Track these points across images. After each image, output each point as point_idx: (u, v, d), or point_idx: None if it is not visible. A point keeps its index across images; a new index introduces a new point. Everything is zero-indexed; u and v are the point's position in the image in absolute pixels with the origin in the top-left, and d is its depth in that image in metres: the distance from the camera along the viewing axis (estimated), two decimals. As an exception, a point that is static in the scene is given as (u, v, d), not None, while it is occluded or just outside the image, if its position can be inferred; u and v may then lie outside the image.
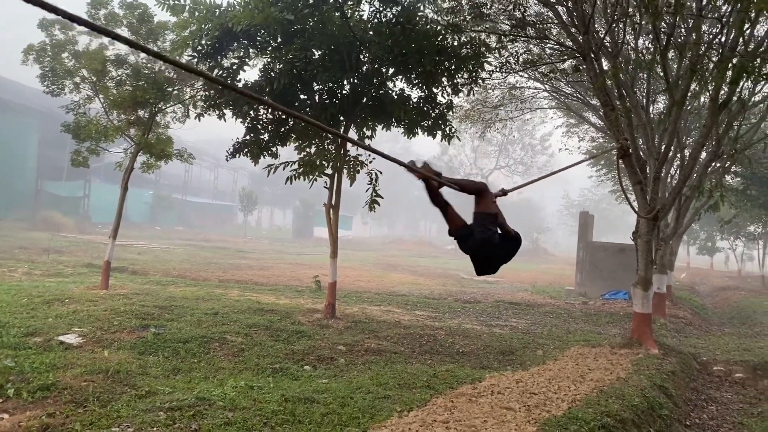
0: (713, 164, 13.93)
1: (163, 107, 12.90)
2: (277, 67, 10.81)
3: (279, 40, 10.79)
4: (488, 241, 4.63)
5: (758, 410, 7.86)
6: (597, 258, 19.30)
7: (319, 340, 9.40)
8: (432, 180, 4.51)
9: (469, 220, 4.76)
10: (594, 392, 6.64)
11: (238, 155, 12.05)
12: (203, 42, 10.88)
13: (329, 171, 11.62)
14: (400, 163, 4.23)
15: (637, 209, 9.77)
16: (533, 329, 12.19)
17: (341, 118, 12.20)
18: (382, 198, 11.43)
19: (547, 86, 18.34)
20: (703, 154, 14.53)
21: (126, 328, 8.91)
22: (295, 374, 7.51)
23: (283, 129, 12.01)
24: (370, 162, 11.82)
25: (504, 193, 5.29)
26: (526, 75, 16.19)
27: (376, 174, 11.39)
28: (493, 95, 17.79)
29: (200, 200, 55.97)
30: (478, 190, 4.78)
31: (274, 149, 12.13)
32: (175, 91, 13.12)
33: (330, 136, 11.89)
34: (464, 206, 4.77)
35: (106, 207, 42.86)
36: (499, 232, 4.88)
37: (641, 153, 10.45)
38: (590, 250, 19.64)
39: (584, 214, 20.73)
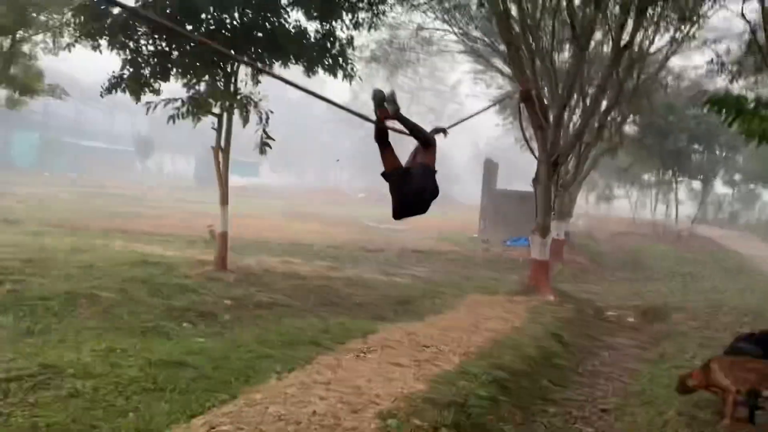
0: (613, 112, 14.00)
1: (26, 35, 11.35)
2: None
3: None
4: (422, 191, 4.61)
5: (649, 355, 7.95)
6: (500, 205, 19.42)
7: (204, 295, 8.67)
8: (389, 116, 4.51)
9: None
10: (488, 343, 6.39)
11: (114, 91, 10.83)
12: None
13: (217, 110, 10.67)
14: (365, 118, 4.57)
15: (537, 155, 9.56)
16: (434, 277, 11.99)
17: (232, 52, 11.21)
18: (273, 140, 10.63)
19: (455, 29, 17.86)
20: (604, 103, 14.67)
21: (-23, 285, 7.84)
22: (170, 333, 6.81)
23: (168, 63, 10.87)
24: (260, 100, 10.91)
25: (444, 131, 5.44)
26: (432, 14, 15.59)
27: (266, 114, 10.55)
28: (400, 36, 17.09)
29: (95, 144, 52.30)
30: (428, 141, 4.77)
31: (156, 85, 10.98)
32: (42, 17, 11.59)
33: (220, 71, 10.88)
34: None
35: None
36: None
37: (545, 99, 10.21)
38: (493, 198, 19.73)
39: (488, 162, 20.75)
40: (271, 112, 10.66)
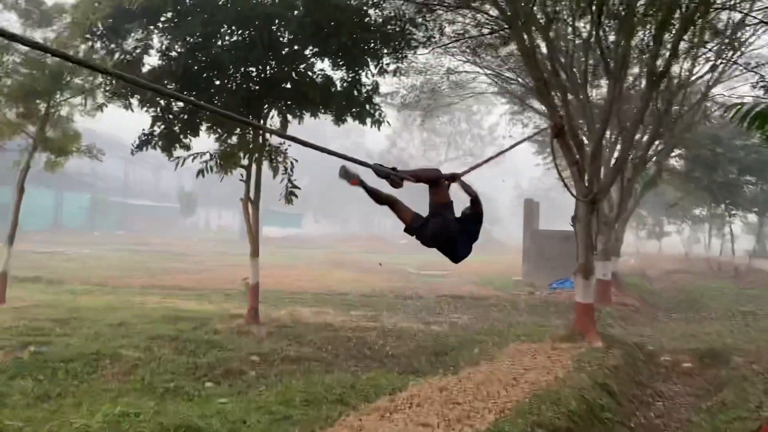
0: (655, 145, 13.43)
1: (61, 99, 11.61)
2: (176, 47, 9.73)
3: (178, 17, 9.68)
4: (444, 230, 4.60)
5: (707, 404, 7.23)
6: (543, 247, 18.76)
7: (231, 351, 8.40)
8: (392, 177, 4.51)
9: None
10: (527, 398, 5.86)
11: (145, 148, 10.93)
12: (97, 21, 9.74)
13: (245, 162, 10.62)
14: (365, 164, 4.31)
15: (574, 192, 9.09)
16: (473, 325, 11.45)
17: (265, 106, 11.25)
18: (298, 189, 10.48)
19: (486, 70, 17.67)
20: (645, 137, 14.12)
21: (5, 348, 7.76)
22: (191, 394, 6.52)
23: (197, 119, 10.93)
24: (286, 150, 10.81)
25: (454, 178, 5.12)
26: (461, 57, 15.43)
27: (291, 163, 10.43)
28: (431, 81, 16.96)
29: (142, 203, 53.71)
30: (432, 179, 4.70)
31: (186, 141, 11.04)
32: (77, 80, 11.87)
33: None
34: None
35: (39, 213, 40.72)
36: (466, 213, 5.02)
37: (579, 133, 9.78)
38: (536, 239, 19.11)
39: (529, 201, 20.21)
40: (296, 160, 10.55)
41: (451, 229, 4.65)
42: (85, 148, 13.16)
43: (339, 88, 11.16)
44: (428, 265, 27.99)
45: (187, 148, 11.01)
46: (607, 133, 14.23)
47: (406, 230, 4.77)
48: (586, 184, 8.98)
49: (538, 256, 18.99)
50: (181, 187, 37.58)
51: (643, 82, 13.80)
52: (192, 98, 10.10)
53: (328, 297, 14.59)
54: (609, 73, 8.87)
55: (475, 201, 5.13)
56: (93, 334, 8.82)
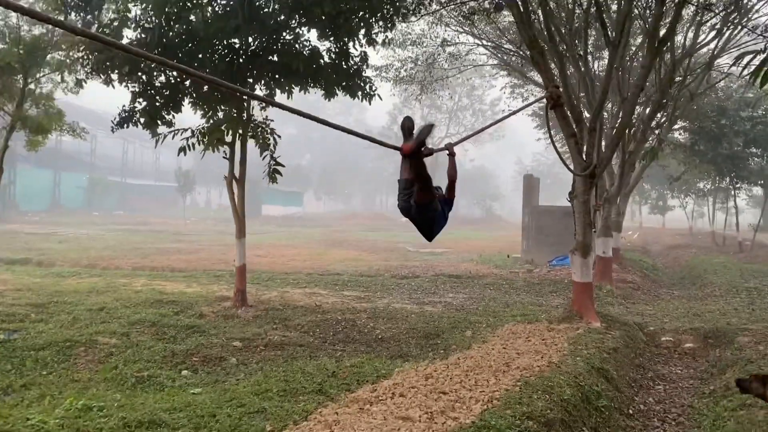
0: (657, 117, 12.93)
1: (39, 75, 11.15)
2: (150, 17, 9.25)
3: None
4: (422, 220, 4.65)
5: (710, 388, 6.87)
6: (543, 223, 18.34)
7: (213, 336, 8.08)
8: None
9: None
10: (517, 386, 5.49)
11: (126, 125, 10.49)
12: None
13: (229, 138, 10.19)
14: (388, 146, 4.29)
15: (572, 167, 8.65)
16: (469, 305, 11.09)
17: (249, 79, 10.79)
18: (282, 166, 10.06)
19: (484, 42, 17.10)
20: (648, 110, 13.60)
21: (-27, 336, 7.43)
22: (164, 384, 6.19)
23: (179, 94, 10.48)
24: (270, 125, 10.37)
25: (450, 151, 5.20)
26: (457, 27, 14.88)
27: (275, 139, 10.00)
28: (425, 53, 16.41)
29: (141, 182, 53.43)
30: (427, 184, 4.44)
31: (169, 117, 10.59)
32: (55, 56, 11.41)
33: (238, 99, 10.40)
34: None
35: (37, 194, 40.46)
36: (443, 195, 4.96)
37: (578, 105, 9.31)
38: (535, 215, 18.68)
39: (528, 177, 19.74)
40: (279, 136, 10.12)
41: (434, 209, 4.56)
42: (67, 127, 12.74)
43: (327, 60, 10.72)
44: (428, 243, 27.64)
45: (170, 124, 10.58)
46: (609, 105, 13.79)
47: (400, 181, 4.56)
48: (584, 158, 8.53)
49: (537, 233, 18.58)
50: (178, 165, 37.12)
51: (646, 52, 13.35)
52: (181, 65, 9.68)
53: (321, 277, 14.24)
54: (608, 40, 8.36)
55: (452, 185, 5.19)
56: (71, 319, 8.49)
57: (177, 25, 9.49)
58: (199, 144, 10.10)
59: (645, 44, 12.72)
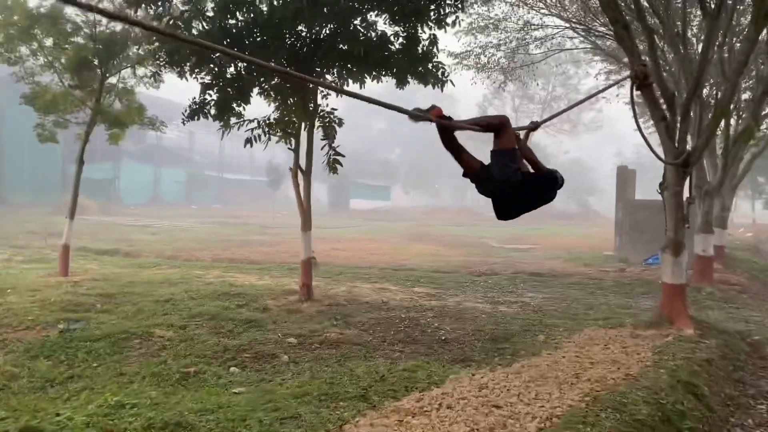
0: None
1: (114, 69, 11.38)
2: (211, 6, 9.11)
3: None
4: (507, 181, 4.22)
5: (825, 411, 5.86)
6: (638, 218, 16.98)
7: (270, 332, 7.83)
8: (444, 124, 4.14)
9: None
10: (584, 402, 4.81)
11: (197, 117, 10.47)
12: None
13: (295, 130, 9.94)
14: (402, 111, 3.89)
15: (662, 155, 7.73)
16: (547, 306, 10.29)
17: (317, 68, 10.51)
18: (343, 156, 9.68)
19: (575, 24, 15.99)
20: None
21: (40, 324, 7.56)
22: (209, 380, 5.94)
23: (248, 86, 10.33)
24: (335, 115, 10.02)
25: (535, 126, 4.99)
26: (542, 8, 13.95)
27: (333, 126, 9.63)
28: (507, 38, 15.55)
29: (237, 177, 55.17)
30: (497, 127, 4.28)
31: (239, 108, 10.48)
32: (135, 50, 11.62)
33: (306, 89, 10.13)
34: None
35: (139, 188, 42.61)
36: (529, 170, 4.62)
37: (670, 85, 8.31)
38: (630, 210, 17.36)
39: (623, 169, 18.39)
40: (342, 124, 9.74)
41: (513, 182, 4.24)
42: (147, 121, 13.00)
43: (397, 46, 10.26)
44: (514, 238, 26.64)
45: (240, 116, 10.48)
46: (710, 88, 12.46)
47: (465, 175, 4.44)
48: (677, 145, 7.58)
49: (632, 229, 17.27)
50: (268, 160, 37.98)
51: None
52: (242, 54, 9.54)
53: (394, 272, 13.82)
54: (705, 10, 7.36)
55: (535, 165, 4.71)
56: (134, 310, 8.52)
57: (238, 13, 9.33)
58: (265, 135, 9.92)
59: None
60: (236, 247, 19.23)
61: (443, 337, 7.90)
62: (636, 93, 8.02)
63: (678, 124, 7.61)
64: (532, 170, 4.69)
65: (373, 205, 49.11)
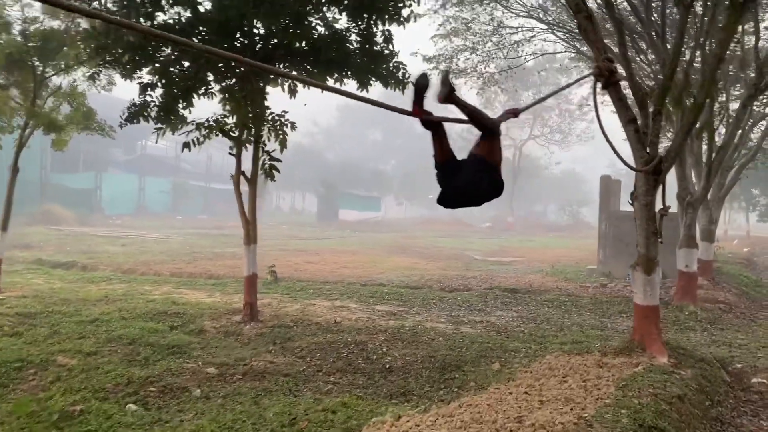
0: (755, 102, 10.72)
1: (51, 69, 10.58)
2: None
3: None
4: (471, 187, 4.11)
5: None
6: (623, 231, 16.11)
7: (192, 359, 6.99)
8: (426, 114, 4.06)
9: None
10: (518, 457, 3.95)
11: (137, 120, 9.66)
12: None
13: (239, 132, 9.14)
14: (392, 108, 4.09)
15: (633, 162, 6.94)
16: (515, 326, 9.45)
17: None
18: (279, 161, 8.89)
19: (555, 29, 15.22)
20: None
21: (-68, 350, 6.69)
22: (92, 422, 5.07)
23: (194, 85, 9.53)
24: (287, 118, 9.25)
25: (515, 112, 4.66)
26: (520, 8, 13.18)
27: (285, 131, 8.85)
28: (482, 41, 14.76)
29: (226, 187, 54.18)
30: (489, 129, 4.11)
31: (184, 111, 9.69)
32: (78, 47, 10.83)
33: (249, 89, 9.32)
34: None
35: (123, 198, 41.73)
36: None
37: (643, 84, 7.49)
38: (614, 222, 16.53)
39: (605, 178, 17.57)
40: (295, 128, 8.97)
41: (475, 188, 4.11)
42: (96, 126, 12.21)
43: (355, 44, 9.52)
44: (500, 251, 25.82)
45: (183, 119, 9.67)
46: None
47: (437, 165, 4.15)
48: (647, 150, 6.76)
49: (616, 242, 16.41)
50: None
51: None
52: (177, 37, 8.77)
53: (362, 288, 12.95)
54: (678, -2, 6.58)
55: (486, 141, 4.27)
56: (49, 333, 7.67)
57: (177, 7, 8.57)
58: (204, 139, 9.11)
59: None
60: (205, 259, 18.36)
61: (388, 366, 7.04)
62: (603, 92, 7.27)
63: (650, 129, 6.79)
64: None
65: (363, 216, 48.23)
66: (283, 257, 19.45)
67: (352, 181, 54.45)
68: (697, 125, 9.45)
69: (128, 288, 11.85)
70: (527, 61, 16.92)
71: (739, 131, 11.95)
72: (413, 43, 15.29)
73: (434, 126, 4.11)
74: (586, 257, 21.31)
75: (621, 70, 8.19)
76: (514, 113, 4.63)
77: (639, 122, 6.86)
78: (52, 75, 10.76)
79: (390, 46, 9.18)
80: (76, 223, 31.35)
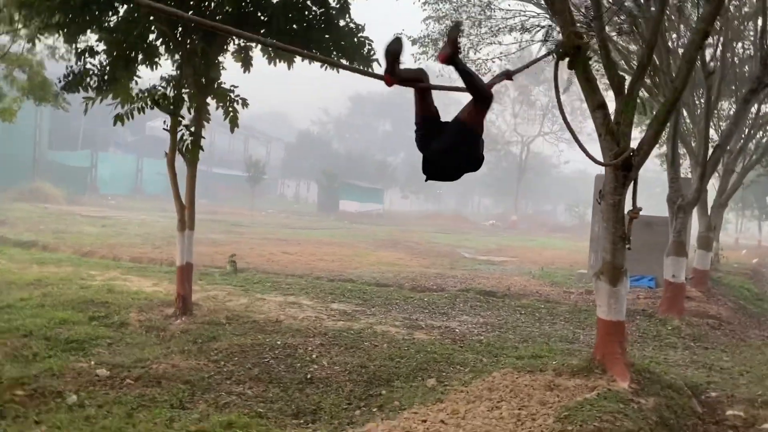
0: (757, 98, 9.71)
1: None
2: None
3: None
4: (447, 154, 3.87)
5: None
6: (616, 234, 15.08)
7: (90, 357, 6.18)
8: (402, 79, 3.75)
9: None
10: None
11: (75, 89, 8.81)
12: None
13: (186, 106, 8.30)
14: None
15: (599, 156, 6.04)
16: (474, 334, 8.56)
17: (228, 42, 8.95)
18: (203, 138, 8.06)
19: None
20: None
21: None
22: None
23: (133, 52, 8.69)
24: (237, 94, 8.44)
25: (508, 74, 4.41)
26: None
27: (235, 108, 8.03)
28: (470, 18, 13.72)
29: (228, 172, 53.50)
30: (484, 97, 3.82)
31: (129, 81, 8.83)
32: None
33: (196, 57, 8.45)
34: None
35: (120, 178, 41.14)
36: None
37: (617, 64, 6.52)
38: (608, 224, 15.48)
39: (600, 177, 16.48)
40: (247, 105, 8.17)
41: (464, 155, 3.93)
42: (51, 98, 11.49)
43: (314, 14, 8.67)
44: (495, 249, 24.88)
45: (126, 90, 8.82)
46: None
47: (417, 122, 3.92)
48: (618, 143, 5.84)
49: (610, 245, 15.38)
50: (248, 155, 36.38)
51: None
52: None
53: (326, 283, 12.08)
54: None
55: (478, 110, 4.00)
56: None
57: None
58: (140, 112, 8.27)
59: None
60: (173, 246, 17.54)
61: (309, 376, 6.17)
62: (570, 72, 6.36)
63: (621, 117, 5.86)
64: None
65: (365, 207, 47.28)
66: (261, 246, 18.65)
67: (356, 172, 53.51)
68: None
69: (72, 272, 11.07)
70: (522, 48, 15.82)
71: (744, 131, 10.97)
72: (401, 25, 14.34)
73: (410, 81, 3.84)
74: (581, 260, 20.31)
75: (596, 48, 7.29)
76: (507, 75, 4.41)
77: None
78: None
79: (347, 18, 8.27)
80: (66, 202, 30.74)
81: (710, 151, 10.12)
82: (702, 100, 10.49)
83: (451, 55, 3.67)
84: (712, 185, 16.90)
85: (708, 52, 11.33)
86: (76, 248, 14.70)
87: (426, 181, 4.20)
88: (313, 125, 72.71)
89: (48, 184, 31.40)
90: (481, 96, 3.83)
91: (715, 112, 11.79)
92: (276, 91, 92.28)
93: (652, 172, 58.75)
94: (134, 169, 43.42)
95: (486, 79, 4.45)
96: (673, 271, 9.94)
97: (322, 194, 47.63)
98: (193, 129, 8.09)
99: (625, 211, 6.14)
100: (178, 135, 8.14)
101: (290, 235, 24.92)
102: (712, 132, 14.27)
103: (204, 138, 8.82)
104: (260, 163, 36.01)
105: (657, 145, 16.53)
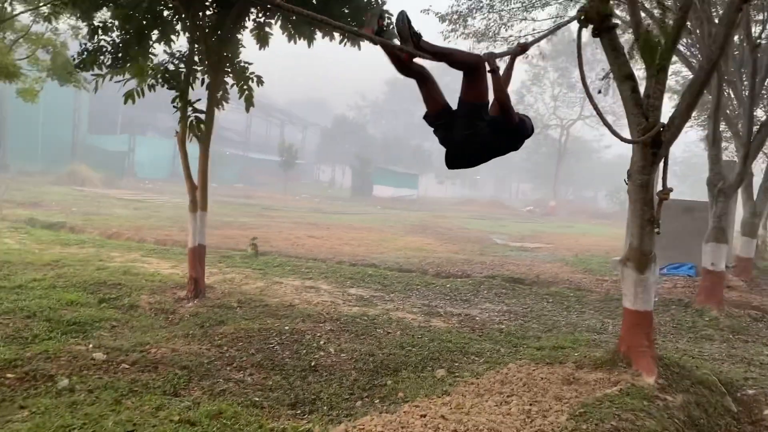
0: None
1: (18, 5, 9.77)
2: None
3: None
4: (470, 139, 3.78)
5: None
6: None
7: (90, 339, 6.02)
8: (401, 50, 3.60)
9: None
10: None
11: (90, 67, 8.65)
12: None
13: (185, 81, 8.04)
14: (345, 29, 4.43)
15: (627, 132, 5.57)
16: (496, 323, 8.15)
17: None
18: (202, 112, 7.79)
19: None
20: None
21: None
22: None
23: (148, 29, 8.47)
24: (252, 72, 8.17)
25: (523, 47, 4.32)
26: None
27: (250, 86, 7.76)
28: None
29: (264, 157, 53.73)
30: (470, 66, 3.72)
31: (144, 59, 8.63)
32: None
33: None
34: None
35: (158, 163, 41.64)
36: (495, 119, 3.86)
37: (647, 27, 5.98)
38: (646, 210, 14.80)
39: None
40: (262, 83, 7.91)
41: (476, 140, 3.82)
42: (72, 79, 11.44)
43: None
44: (529, 236, 24.25)
45: (141, 67, 8.61)
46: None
47: (426, 118, 3.91)
48: (647, 117, 5.34)
49: (647, 232, 14.70)
50: (282, 140, 36.34)
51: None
52: None
53: (349, 268, 11.82)
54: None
55: (504, 108, 3.89)
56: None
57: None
58: (151, 89, 8.07)
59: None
60: (209, 228, 17.50)
61: (315, 363, 5.89)
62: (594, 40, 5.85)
63: (651, 86, 5.36)
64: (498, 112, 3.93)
65: (399, 193, 46.92)
66: (289, 230, 18.50)
67: (391, 157, 53.15)
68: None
69: (94, 253, 11.05)
70: (558, 27, 15.13)
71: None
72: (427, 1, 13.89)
73: (408, 69, 3.74)
74: (620, 247, 19.59)
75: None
76: (522, 48, 4.33)
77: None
78: (17, 14, 9.91)
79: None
80: (103, 185, 31.20)
81: (755, 130, 9.43)
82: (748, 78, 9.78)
83: (414, 51, 3.56)
84: (760, 168, 16.05)
85: (755, 29, 10.63)
86: (102, 230, 14.74)
87: (449, 169, 4.17)
88: (350, 110, 72.57)
89: (86, 167, 31.91)
90: (468, 67, 3.72)
91: (763, 90, 10.99)
92: (314, 77, 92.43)
93: (700, 156, 56.84)
94: (172, 153, 43.87)
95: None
96: (712, 258, 9.32)
97: (356, 179, 47.43)
98: (199, 107, 7.81)
99: (654, 192, 5.65)
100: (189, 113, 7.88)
101: (321, 219, 24.76)
102: (760, 112, 13.47)
103: (219, 115, 8.58)
104: (293, 148, 35.82)
105: (701, 127, 15.66)
